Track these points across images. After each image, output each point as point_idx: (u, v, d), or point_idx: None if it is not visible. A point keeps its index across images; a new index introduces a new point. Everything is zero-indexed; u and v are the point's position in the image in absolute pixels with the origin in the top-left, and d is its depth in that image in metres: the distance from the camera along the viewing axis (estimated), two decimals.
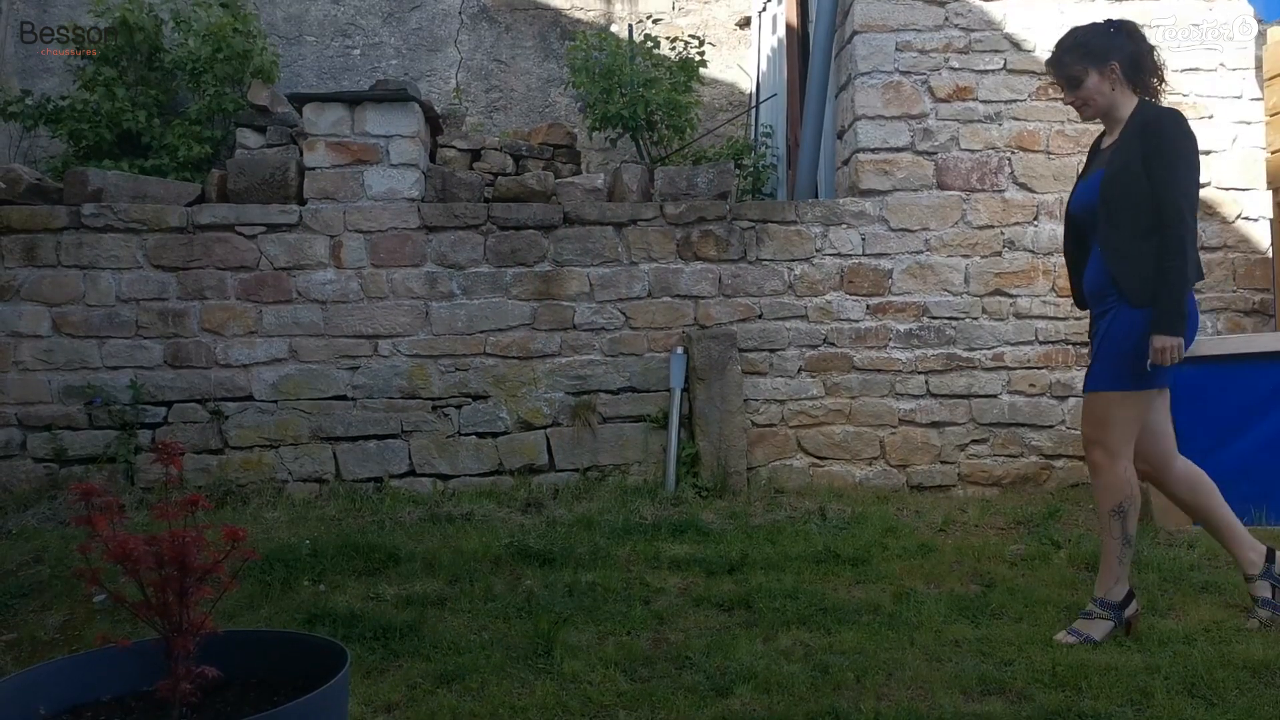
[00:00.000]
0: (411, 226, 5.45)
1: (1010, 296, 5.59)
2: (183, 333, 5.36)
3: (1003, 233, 5.60)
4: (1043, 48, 5.59)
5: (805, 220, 5.57)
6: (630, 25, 7.58)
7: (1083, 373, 5.51)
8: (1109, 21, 3.48)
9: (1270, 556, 3.47)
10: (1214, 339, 5.29)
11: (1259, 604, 3.46)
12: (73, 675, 2.17)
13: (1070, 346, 5.58)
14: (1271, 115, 5.55)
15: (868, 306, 5.57)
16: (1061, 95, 3.54)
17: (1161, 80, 3.45)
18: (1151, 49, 3.43)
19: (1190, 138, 3.30)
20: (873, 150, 5.59)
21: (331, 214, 5.43)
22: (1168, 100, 5.48)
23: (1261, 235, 5.63)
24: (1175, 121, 3.32)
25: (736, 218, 5.56)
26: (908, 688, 3.08)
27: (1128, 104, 3.40)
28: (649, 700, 3.00)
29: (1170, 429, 3.56)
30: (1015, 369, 5.57)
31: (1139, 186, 3.25)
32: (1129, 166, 3.27)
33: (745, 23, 8.35)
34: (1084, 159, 3.71)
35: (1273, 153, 5.55)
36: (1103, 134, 3.55)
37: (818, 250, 5.57)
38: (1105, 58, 3.37)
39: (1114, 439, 3.33)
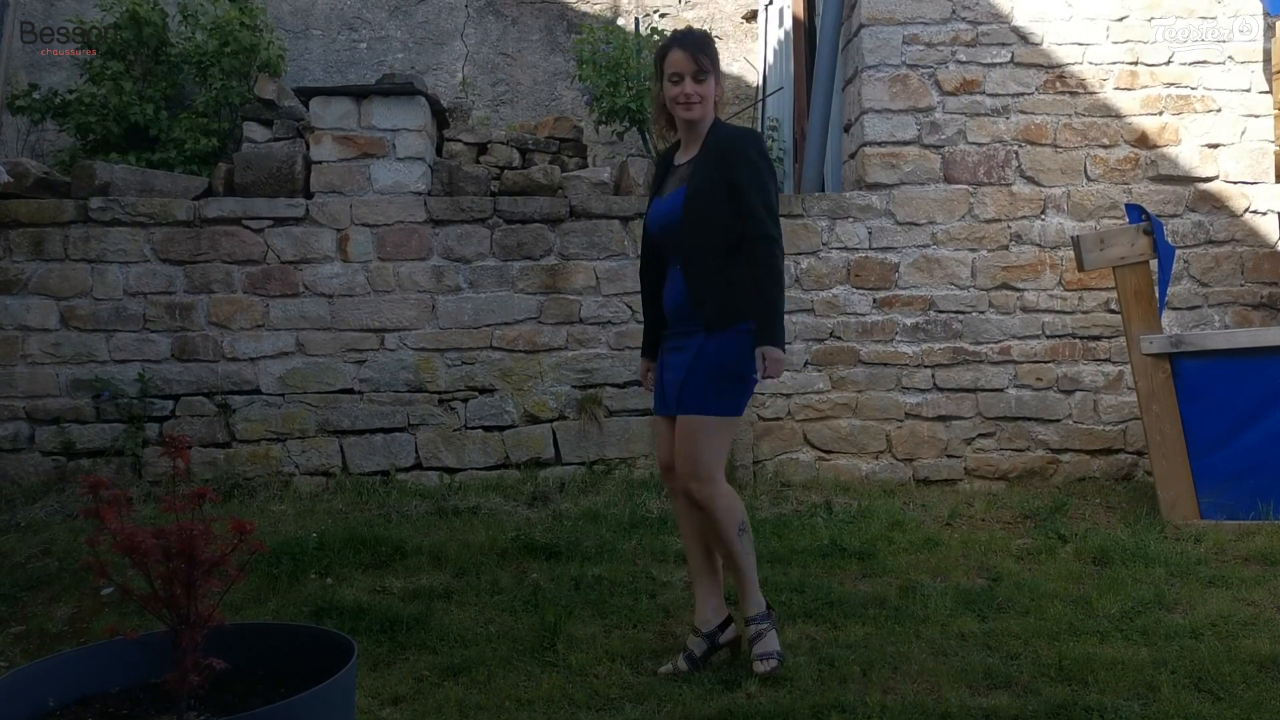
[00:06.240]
0: (418, 220, 5.45)
1: (1017, 290, 5.57)
2: (190, 326, 5.37)
3: (1009, 226, 5.58)
4: (1050, 40, 5.58)
5: (812, 214, 5.56)
6: (637, 18, 7.57)
7: (1091, 367, 5.56)
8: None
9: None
10: (1221, 333, 5.27)
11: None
12: (81, 667, 2.18)
13: (1077, 340, 5.57)
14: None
15: (874, 300, 5.56)
16: (682, 82, 3.20)
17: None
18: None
19: (768, 157, 3.25)
20: (879, 143, 5.58)
21: (338, 207, 5.43)
22: (1177, 93, 5.57)
23: (1269, 229, 5.61)
24: (756, 141, 3.28)
25: None
26: (914, 681, 3.09)
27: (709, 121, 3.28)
28: (655, 694, 3.01)
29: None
30: (1022, 363, 5.56)
31: (721, 206, 3.15)
32: (713, 186, 3.16)
33: (752, 16, 8.34)
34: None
35: None
36: (675, 148, 3.40)
37: (824, 244, 5.56)
38: (718, 71, 3.28)
39: (712, 464, 3.17)
